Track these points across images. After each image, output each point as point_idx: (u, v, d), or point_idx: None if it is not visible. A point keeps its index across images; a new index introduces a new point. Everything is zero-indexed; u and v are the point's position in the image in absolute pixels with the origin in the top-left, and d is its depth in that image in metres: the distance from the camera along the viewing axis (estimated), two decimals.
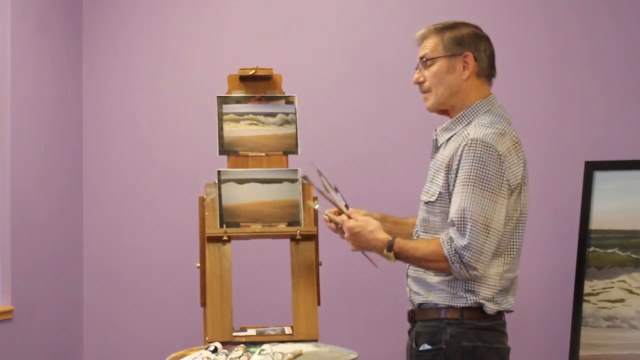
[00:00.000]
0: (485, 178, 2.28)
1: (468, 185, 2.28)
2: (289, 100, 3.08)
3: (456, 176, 2.32)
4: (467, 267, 2.28)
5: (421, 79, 2.49)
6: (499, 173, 2.29)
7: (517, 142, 2.38)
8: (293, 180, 2.93)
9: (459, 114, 2.45)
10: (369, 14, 4.13)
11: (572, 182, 3.75)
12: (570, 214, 3.72)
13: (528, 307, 3.82)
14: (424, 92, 2.50)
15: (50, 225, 4.10)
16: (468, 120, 2.42)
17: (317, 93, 4.02)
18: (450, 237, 2.30)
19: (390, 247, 2.39)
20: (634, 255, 3.46)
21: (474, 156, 2.29)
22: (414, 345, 2.43)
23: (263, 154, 3.01)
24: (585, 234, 3.55)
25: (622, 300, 3.45)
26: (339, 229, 2.55)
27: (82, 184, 4.35)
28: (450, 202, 2.35)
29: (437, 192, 2.39)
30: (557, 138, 3.88)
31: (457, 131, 2.42)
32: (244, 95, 3.07)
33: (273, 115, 3.06)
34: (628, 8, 3.88)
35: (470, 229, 2.26)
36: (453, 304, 2.36)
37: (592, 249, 3.54)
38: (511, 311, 2.43)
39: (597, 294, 3.50)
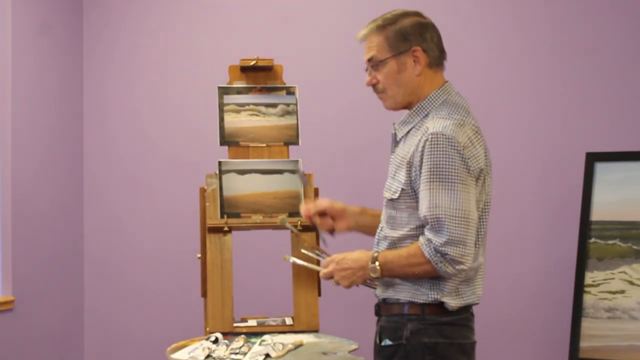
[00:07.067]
0: (452, 171, 2.22)
1: (435, 181, 2.23)
2: (289, 91, 3.08)
3: (421, 172, 2.26)
4: (453, 263, 2.21)
5: (374, 81, 2.43)
6: (463, 164, 2.23)
7: (477, 131, 2.32)
8: (294, 171, 2.93)
9: (416, 107, 2.39)
10: (370, 4, 4.12)
11: (573, 173, 3.74)
12: (571, 205, 3.71)
13: (529, 298, 3.83)
14: (379, 93, 2.45)
15: (51, 216, 4.10)
16: (425, 112, 2.37)
17: (318, 84, 4.01)
18: (428, 238, 2.24)
19: (374, 258, 2.33)
20: (634, 247, 3.46)
21: (436, 151, 2.23)
22: (377, 341, 2.41)
23: (264, 145, 3.01)
24: (586, 225, 3.55)
25: (622, 292, 3.45)
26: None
27: (83, 174, 4.35)
28: (414, 197, 2.30)
29: (400, 189, 2.33)
30: (558, 129, 3.87)
31: (416, 124, 2.38)
32: (244, 85, 3.06)
33: (274, 105, 3.05)
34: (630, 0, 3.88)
35: (448, 224, 2.20)
36: (414, 300, 2.31)
37: (592, 240, 3.54)
38: (476, 304, 2.36)
39: (598, 285, 3.50)
